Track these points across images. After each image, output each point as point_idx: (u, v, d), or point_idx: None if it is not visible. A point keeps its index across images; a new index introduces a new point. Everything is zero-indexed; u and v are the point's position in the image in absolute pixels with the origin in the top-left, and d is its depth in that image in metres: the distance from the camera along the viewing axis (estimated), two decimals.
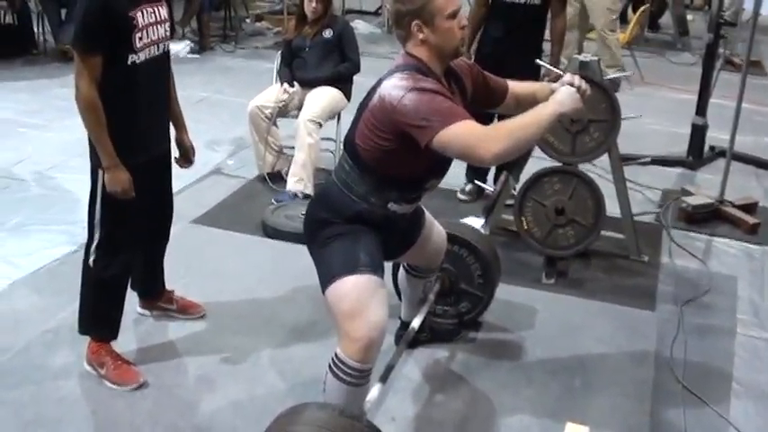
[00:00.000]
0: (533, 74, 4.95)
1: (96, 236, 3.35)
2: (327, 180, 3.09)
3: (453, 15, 2.83)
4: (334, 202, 2.98)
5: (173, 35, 3.49)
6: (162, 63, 3.36)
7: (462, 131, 2.63)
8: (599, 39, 8.35)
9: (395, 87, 2.73)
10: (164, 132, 3.53)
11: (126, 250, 3.42)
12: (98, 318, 3.49)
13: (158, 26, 3.24)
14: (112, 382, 3.42)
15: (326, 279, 2.89)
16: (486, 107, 3.20)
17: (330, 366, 2.86)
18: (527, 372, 3.69)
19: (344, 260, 2.88)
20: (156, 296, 3.90)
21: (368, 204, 2.93)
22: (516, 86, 3.19)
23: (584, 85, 2.83)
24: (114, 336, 3.52)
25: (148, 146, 3.40)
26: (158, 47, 3.27)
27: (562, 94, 2.78)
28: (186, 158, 3.72)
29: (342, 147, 3.05)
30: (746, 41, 5.43)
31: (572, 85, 2.81)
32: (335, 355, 2.85)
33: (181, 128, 3.67)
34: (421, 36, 2.83)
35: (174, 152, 3.67)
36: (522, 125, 2.67)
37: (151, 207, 3.50)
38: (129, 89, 3.20)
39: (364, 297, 2.83)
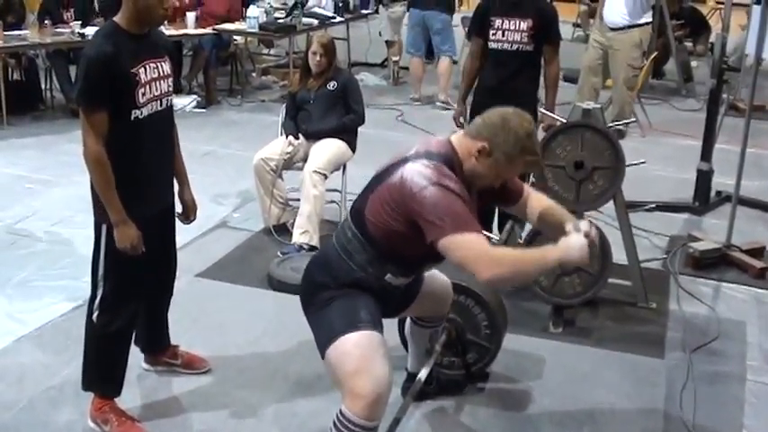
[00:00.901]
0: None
1: (99, 291, 3.35)
2: (327, 244, 3.10)
3: (506, 180, 2.92)
4: (332, 267, 2.99)
5: (176, 90, 3.52)
6: (165, 118, 3.38)
7: (470, 243, 2.66)
8: (614, 92, 8.38)
9: (419, 174, 2.73)
10: (168, 186, 3.54)
11: (129, 305, 3.41)
12: (102, 374, 3.48)
13: (161, 81, 3.27)
14: None
15: (327, 339, 2.88)
16: (495, 203, 3.25)
17: (335, 424, 2.84)
18: (535, 423, 3.65)
19: (344, 319, 2.88)
20: (160, 351, 3.88)
21: (365, 273, 2.94)
22: (537, 201, 3.18)
23: (595, 237, 2.86)
24: (118, 392, 3.50)
25: (153, 200, 3.41)
26: (161, 102, 3.30)
27: (572, 242, 2.79)
28: (187, 215, 3.72)
29: (348, 215, 3.03)
30: (750, 86, 5.44)
31: (587, 235, 2.82)
32: (340, 412, 2.83)
33: (183, 183, 3.67)
34: (476, 155, 2.84)
35: (177, 207, 3.68)
36: (526, 260, 2.74)
37: (155, 261, 3.49)
38: (133, 144, 3.22)
39: (368, 353, 2.82)
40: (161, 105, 3.31)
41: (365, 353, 2.81)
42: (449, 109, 9.57)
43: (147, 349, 3.86)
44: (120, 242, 3.21)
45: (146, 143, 3.26)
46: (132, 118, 3.17)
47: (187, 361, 3.91)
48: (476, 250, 2.65)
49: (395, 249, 2.88)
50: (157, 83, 3.25)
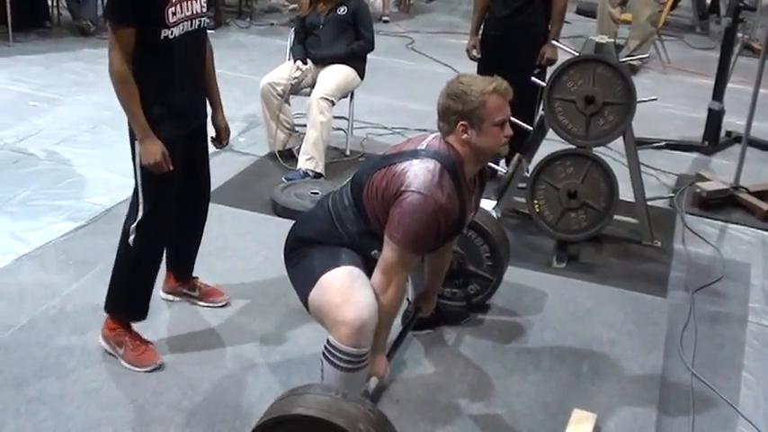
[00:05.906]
0: (534, 54, 4.96)
1: (139, 214, 3.29)
2: (322, 203, 3.11)
3: (501, 123, 2.86)
4: (320, 227, 3.03)
5: (209, 10, 3.45)
6: (197, 38, 3.30)
7: (403, 262, 2.85)
8: (635, 27, 8.25)
9: (420, 175, 2.78)
10: (199, 107, 3.47)
11: (165, 229, 3.40)
12: (129, 298, 3.44)
13: (193, 1, 3.19)
14: (130, 363, 3.37)
15: (309, 282, 2.93)
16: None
17: (324, 354, 2.86)
18: (535, 356, 3.65)
19: (325, 260, 2.94)
20: (184, 280, 3.84)
21: (352, 243, 2.98)
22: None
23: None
24: (143, 316, 3.47)
25: (183, 119, 3.33)
26: (192, 22, 3.21)
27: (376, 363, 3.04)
28: (220, 139, 3.64)
29: (349, 183, 3.05)
30: (765, 26, 5.36)
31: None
32: (328, 342, 2.85)
33: (217, 107, 3.58)
34: (464, 136, 2.85)
35: (210, 131, 3.60)
36: (392, 312, 2.99)
37: (188, 182, 3.45)
38: (163, 64, 3.15)
39: (348, 282, 2.86)
40: (191, 26, 3.21)
41: (345, 282, 2.86)
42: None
43: (174, 275, 3.83)
44: (145, 158, 3.16)
45: (176, 63, 3.18)
46: (162, 37, 3.10)
47: (205, 293, 3.87)
48: (402, 267, 2.86)
49: (383, 230, 2.90)
50: (189, 2, 3.16)
